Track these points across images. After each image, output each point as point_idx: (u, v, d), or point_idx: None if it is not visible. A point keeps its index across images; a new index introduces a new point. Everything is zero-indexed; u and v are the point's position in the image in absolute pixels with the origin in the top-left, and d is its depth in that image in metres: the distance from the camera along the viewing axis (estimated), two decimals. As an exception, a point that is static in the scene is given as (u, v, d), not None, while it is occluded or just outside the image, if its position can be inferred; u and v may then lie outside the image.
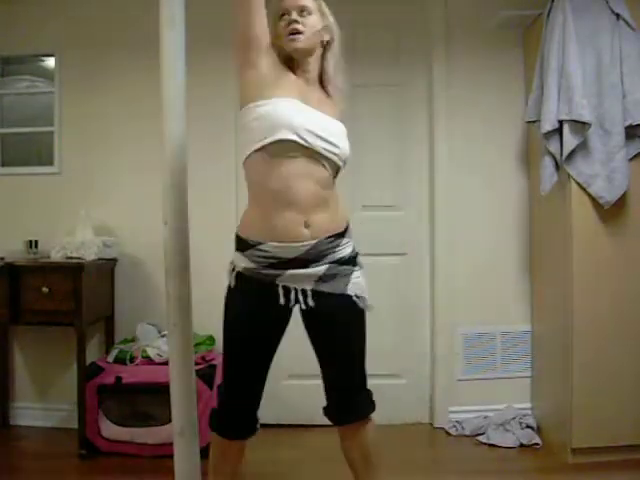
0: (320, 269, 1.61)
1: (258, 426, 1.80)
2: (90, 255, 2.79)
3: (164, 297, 1.73)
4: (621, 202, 2.49)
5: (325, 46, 1.75)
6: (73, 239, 2.82)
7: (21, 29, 3.12)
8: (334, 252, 1.63)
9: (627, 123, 2.43)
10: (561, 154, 2.49)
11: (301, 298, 1.61)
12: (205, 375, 2.62)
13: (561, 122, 2.46)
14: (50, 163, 3.13)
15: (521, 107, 2.98)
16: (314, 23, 1.69)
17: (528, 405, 3.03)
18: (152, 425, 2.63)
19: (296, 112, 1.57)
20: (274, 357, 1.74)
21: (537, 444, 2.76)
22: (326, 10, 1.78)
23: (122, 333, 3.02)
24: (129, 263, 3.06)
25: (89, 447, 2.66)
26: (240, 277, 1.65)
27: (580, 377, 2.51)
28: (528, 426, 2.85)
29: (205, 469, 2.08)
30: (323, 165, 1.62)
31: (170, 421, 1.80)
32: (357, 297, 1.66)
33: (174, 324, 1.75)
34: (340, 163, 1.68)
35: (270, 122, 1.55)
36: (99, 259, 2.84)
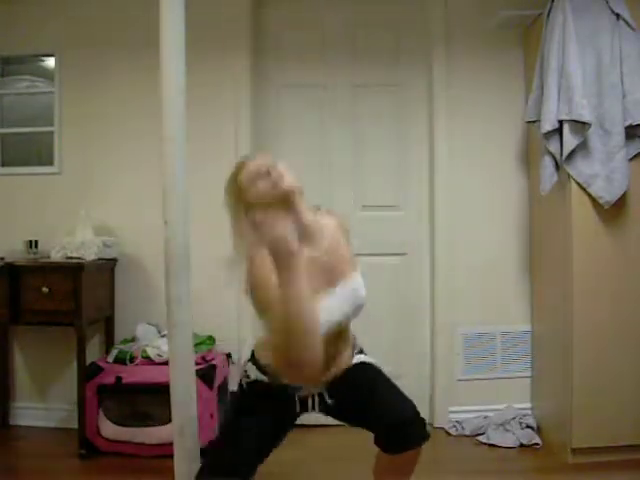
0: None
1: None
2: (90, 255, 2.79)
3: (164, 297, 1.73)
4: (621, 202, 2.48)
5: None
6: (73, 239, 2.82)
7: (21, 29, 3.12)
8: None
9: (627, 123, 2.43)
10: (561, 154, 2.49)
11: (317, 401, 1.69)
12: (205, 375, 2.62)
13: (561, 122, 2.46)
14: (50, 163, 3.13)
15: (521, 107, 2.98)
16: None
17: (528, 405, 3.03)
18: (152, 425, 2.62)
19: (340, 311, 1.61)
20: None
21: (537, 444, 2.76)
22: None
23: (122, 333, 3.02)
24: (129, 263, 3.06)
25: (89, 447, 2.66)
26: (256, 383, 1.69)
27: (580, 377, 2.51)
28: (528, 426, 2.85)
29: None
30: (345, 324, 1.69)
31: (170, 421, 1.80)
32: (362, 362, 1.73)
33: (174, 324, 1.75)
34: (361, 310, 1.69)
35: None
36: (99, 259, 2.84)
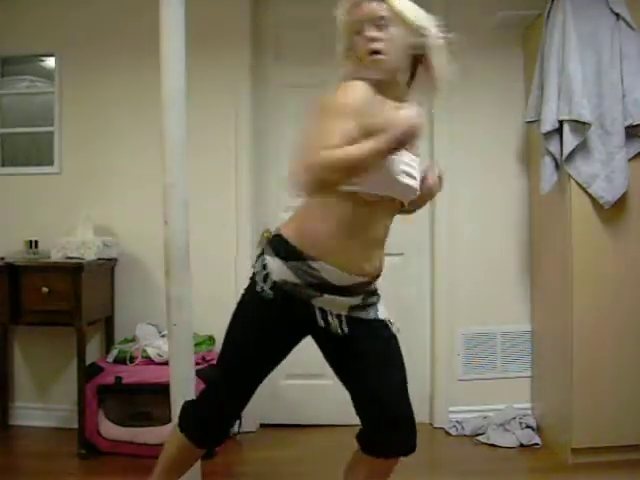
0: (356, 299, 1.53)
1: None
2: (90, 255, 2.79)
3: (164, 297, 1.73)
4: (621, 202, 2.48)
5: (416, 55, 1.51)
6: (73, 239, 2.82)
7: (21, 29, 3.12)
8: (372, 285, 1.59)
9: (627, 123, 2.43)
10: (561, 154, 2.49)
11: (336, 322, 1.51)
12: (205, 375, 2.62)
13: (561, 122, 2.46)
14: (50, 163, 3.13)
15: (521, 107, 2.97)
16: (396, 34, 1.45)
17: (528, 405, 3.03)
18: (152, 425, 2.62)
19: (400, 171, 1.44)
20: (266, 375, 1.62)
21: (537, 444, 2.76)
22: (409, 15, 1.49)
23: (122, 333, 3.02)
24: (129, 263, 3.06)
25: (89, 447, 2.66)
26: (274, 288, 1.48)
27: (580, 377, 2.51)
28: (528, 426, 2.85)
29: (205, 469, 2.08)
30: (396, 208, 1.56)
31: (170, 421, 1.80)
32: (389, 322, 1.60)
33: (174, 324, 1.75)
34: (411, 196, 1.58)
35: (374, 176, 1.41)
36: (99, 259, 2.84)
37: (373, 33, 1.43)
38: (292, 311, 1.49)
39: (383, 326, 1.58)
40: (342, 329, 1.51)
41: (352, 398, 1.59)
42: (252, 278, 1.54)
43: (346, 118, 1.36)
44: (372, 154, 1.31)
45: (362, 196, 1.44)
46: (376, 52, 1.43)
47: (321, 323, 1.49)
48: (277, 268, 1.47)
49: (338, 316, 1.51)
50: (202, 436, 1.60)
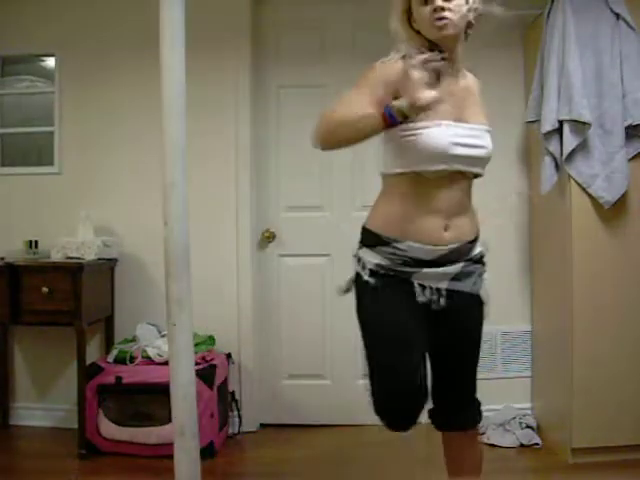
0: (457, 267, 1.56)
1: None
2: (90, 255, 2.79)
3: (164, 297, 1.73)
4: (621, 202, 2.48)
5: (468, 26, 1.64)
6: (73, 239, 2.82)
7: (21, 29, 3.11)
8: (469, 252, 1.60)
9: (627, 123, 2.43)
10: (561, 154, 2.49)
11: (435, 297, 1.54)
12: (205, 375, 2.62)
13: (561, 122, 2.46)
14: (50, 163, 3.13)
15: (521, 107, 2.97)
16: (460, 3, 1.56)
17: (528, 405, 3.03)
18: (152, 425, 2.62)
19: (448, 144, 1.49)
20: (425, 356, 1.59)
21: (537, 444, 2.76)
22: None
23: (122, 333, 3.02)
24: (129, 263, 3.06)
25: (89, 447, 2.66)
26: (374, 274, 1.55)
27: (580, 377, 2.51)
28: (528, 426, 2.85)
29: (205, 469, 2.08)
30: (468, 176, 1.59)
31: (170, 421, 1.80)
32: (484, 302, 1.63)
33: (174, 324, 1.75)
34: (484, 169, 1.62)
35: (420, 154, 1.49)
36: (99, 259, 2.84)
37: (441, 2, 1.51)
38: (399, 291, 1.54)
39: (479, 306, 1.62)
40: (439, 303, 1.55)
41: (431, 372, 1.63)
42: (356, 274, 1.60)
43: (361, 89, 1.55)
44: (361, 118, 1.45)
45: (422, 174, 1.51)
46: (442, 18, 1.51)
47: (421, 299, 1.53)
48: (369, 257, 1.56)
49: (438, 290, 1.55)
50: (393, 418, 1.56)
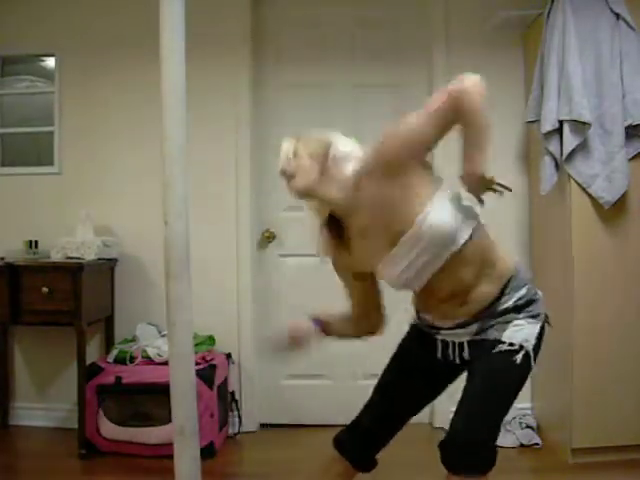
0: (473, 327, 1.54)
1: (375, 466, 1.71)
2: (90, 255, 2.79)
3: (164, 297, 1.73)
4: (621, 202, 2.48)
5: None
6: (73, 239, 2.82)
7: (21, 29, 3.12)
8: (491, 313, 1.53)
9: (627, 123, 2.43)
10: (561, 154, 2.49)
11: (457, 352, 1.58)
12: (205, 375, 2.62)
13: (561, 122, 2.46)
14: (50, 163, 3.13)
15: (521, 107, 2.97)
16: (297, 166, 1.59)
17: (528, 405, 3.03)
18: (152, 425, 2.62)
19: (398, 281, 1.54)
20: (418, 409, 1.71)
21: (537, 444, 2.76)
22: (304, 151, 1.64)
23: (122, 333, 3.02)
24: (129, 263, 3.06)
25: (89, 447, 2.66)
26: (412, 326, 1.73)
27: (580, 377, 2.51)
28: (528, 426, 2.85)
29: (205, 469, 2.08)
30: (439, 267, 1.48)
31: (170, 421, 1.80)
32: (510, 344, 1.48)
33: (174, 324, 1.75)
34: (448, 248, 1.46)
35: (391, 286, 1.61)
36: (99, 259, 2.84)
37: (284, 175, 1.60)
38: (422, 341, 1.66)
39: (500, 349, 1.49)
40: (462, 357, 1.58)
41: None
42: None
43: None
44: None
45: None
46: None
47: (438, 355, 1.62)
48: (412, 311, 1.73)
49: (460, 345, 1.58)
50: (342, 445, 1.74)
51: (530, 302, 1.57)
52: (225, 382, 2.89)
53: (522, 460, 2.65)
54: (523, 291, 1.55)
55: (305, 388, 3.05)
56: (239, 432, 2.96)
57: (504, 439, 2.77)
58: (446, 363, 1.62)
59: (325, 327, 1.71)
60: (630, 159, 2.47)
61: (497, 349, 1.48)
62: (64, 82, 3.11)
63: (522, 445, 2.76)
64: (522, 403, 3.02)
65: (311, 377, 3.06)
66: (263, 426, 3.09)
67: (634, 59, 2.44)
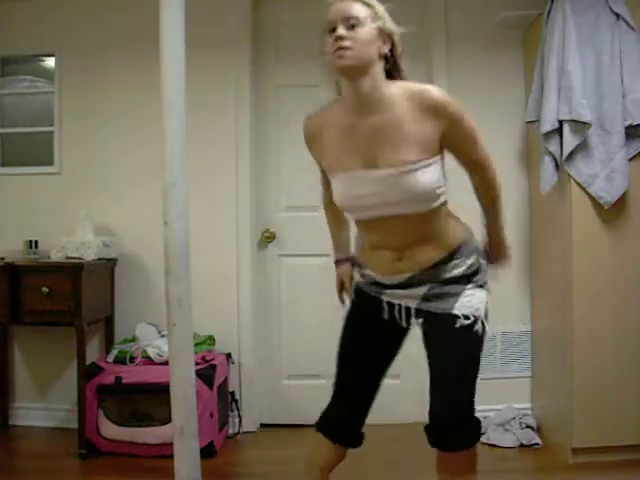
0: (421, 289, 1.57)
1: (361, 440, 1.72)
2: (90, 255, 2.79)
3: (164, 297, 1.73)
4: (621, 202, 2.48)
5: (388, 58, 1.56)
6: (73, 239, 2.82)
7: (21, 29, 3.12)
8: (438, 275, 1.56)
9: (627, 123, 2.43)
10: (561, 154, 2.49)
11: (404, 316, 1.61)
12: (205, 375, 2.62)
13: (561, 122, 2.46)
14: (50, 163, 3.13)
15: (521, 107, 2.97)
16: (366, 35, 1.45)
17: (528, 405, 3.03)
18: (152, 425, 2.62)
19: (352, 197, 1.52)
20: (382, 373, 1.71)
21: (537, 444, 2.76)
22: (384, 15, 1.54)
23: (122, 333, 3.02)
24: (129, 263, 3.06)
25: (89, 447, 2.66)
26: (355, 289, 1.73)
27: (580, 377, 2.51)
28: (528, 426, 2.85)
29: (205, 469, 2.08)
30: (405, 214, 1.49)
31: (170, 421, 1.80)
32: (465, 317, 1.52)
33: (174, 324, 1.75)
34: (424, 205, 1.49)
35: (340, 206, 1.60)
36: (99, 259, 2.84)
37: (341, 31, 1.42)
38: (369, 306, 1.66)
39: (455, 323, 1.52)
40: (409, 322, 1.61)
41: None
42: None
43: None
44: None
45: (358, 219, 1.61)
46: (341, 49, 1.42)
47: (385, 316, 1.63)
48: (356, 274, 1.74)
49: (407, 309, 1.60)
50: (329, 431, 1.72)
51: (477, 271, 1.60)
52: (225, 382, 2.89)
53: (522, 460, 2.65)
54: (472, 259, 1.60)
55: (305, 388, 3.05)
56: (239, 432, 2.96)
57: (504, 439, 2.78)
58: (395, 324, 1.64)
59: (348, 254, 1.79)
60: (630, 159, 2.47)
61: (458, 324, 1.52)
62: (64, 82, 3.11)
63: (522, 445, 2.75)
64: (522, 403, 3.02)
65: (311, 377, 3.06)
66: (263, 426, 3.09)
67: (634, 59, 2.44)
